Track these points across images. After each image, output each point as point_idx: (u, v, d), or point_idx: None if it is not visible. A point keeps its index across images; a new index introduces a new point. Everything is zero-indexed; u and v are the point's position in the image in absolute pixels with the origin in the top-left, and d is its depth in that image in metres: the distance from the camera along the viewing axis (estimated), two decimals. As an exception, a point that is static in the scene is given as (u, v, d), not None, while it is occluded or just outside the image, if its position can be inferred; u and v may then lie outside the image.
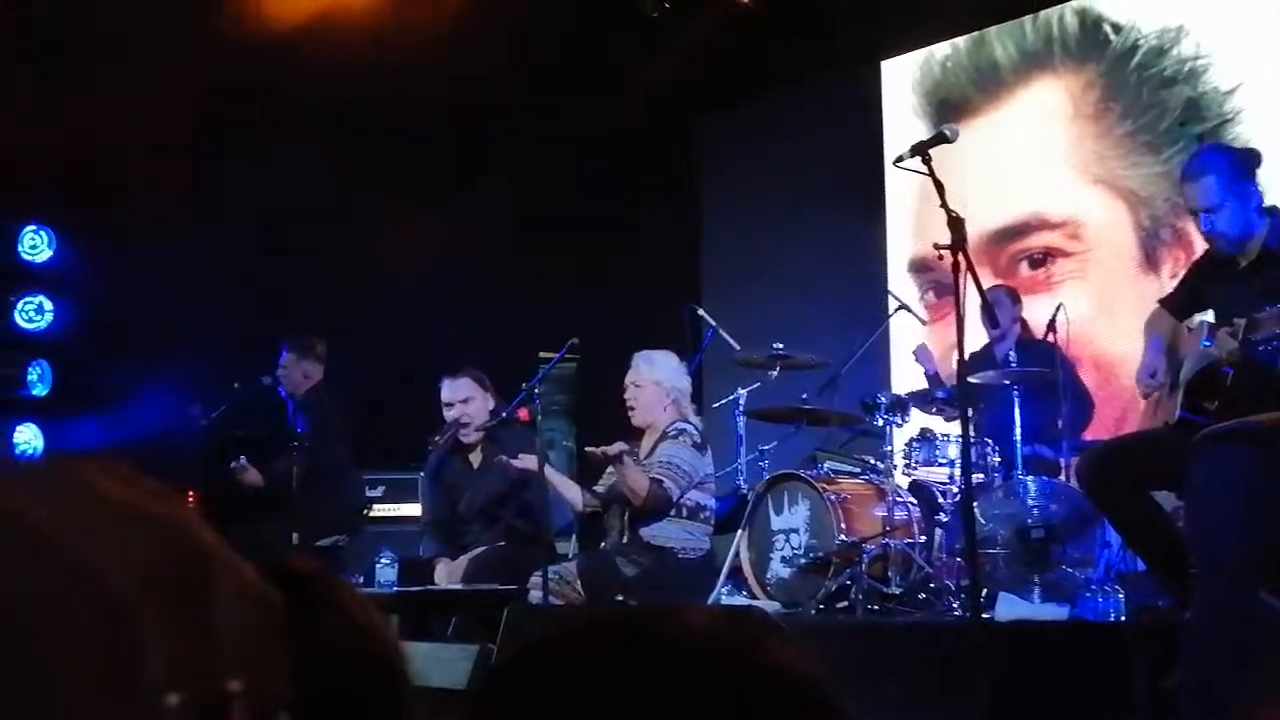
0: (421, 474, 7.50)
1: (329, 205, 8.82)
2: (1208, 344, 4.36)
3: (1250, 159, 4.51)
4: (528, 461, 6.17)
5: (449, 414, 6.74)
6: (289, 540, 6.96)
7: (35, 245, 8.07)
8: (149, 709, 0.52)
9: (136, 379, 8.11)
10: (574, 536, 6.65)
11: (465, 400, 6.69)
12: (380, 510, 8.10)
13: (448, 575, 6.58)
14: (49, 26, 7.83)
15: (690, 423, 6.29)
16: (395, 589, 6.27)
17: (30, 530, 0.51)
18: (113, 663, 0.51)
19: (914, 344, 7.41)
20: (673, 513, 6.16)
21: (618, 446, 6.07)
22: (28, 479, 0.57)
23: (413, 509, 8.17)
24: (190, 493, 7.54)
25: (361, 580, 6.69)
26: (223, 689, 0.58)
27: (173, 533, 0.55)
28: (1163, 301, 4.90)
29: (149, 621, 0.53)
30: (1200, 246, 4.93)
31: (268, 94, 8.40)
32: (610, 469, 6.33)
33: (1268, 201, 4.52)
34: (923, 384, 7.23)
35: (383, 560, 6.43)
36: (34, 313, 7.99)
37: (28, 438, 7.79)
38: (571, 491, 6.42)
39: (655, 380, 6.32)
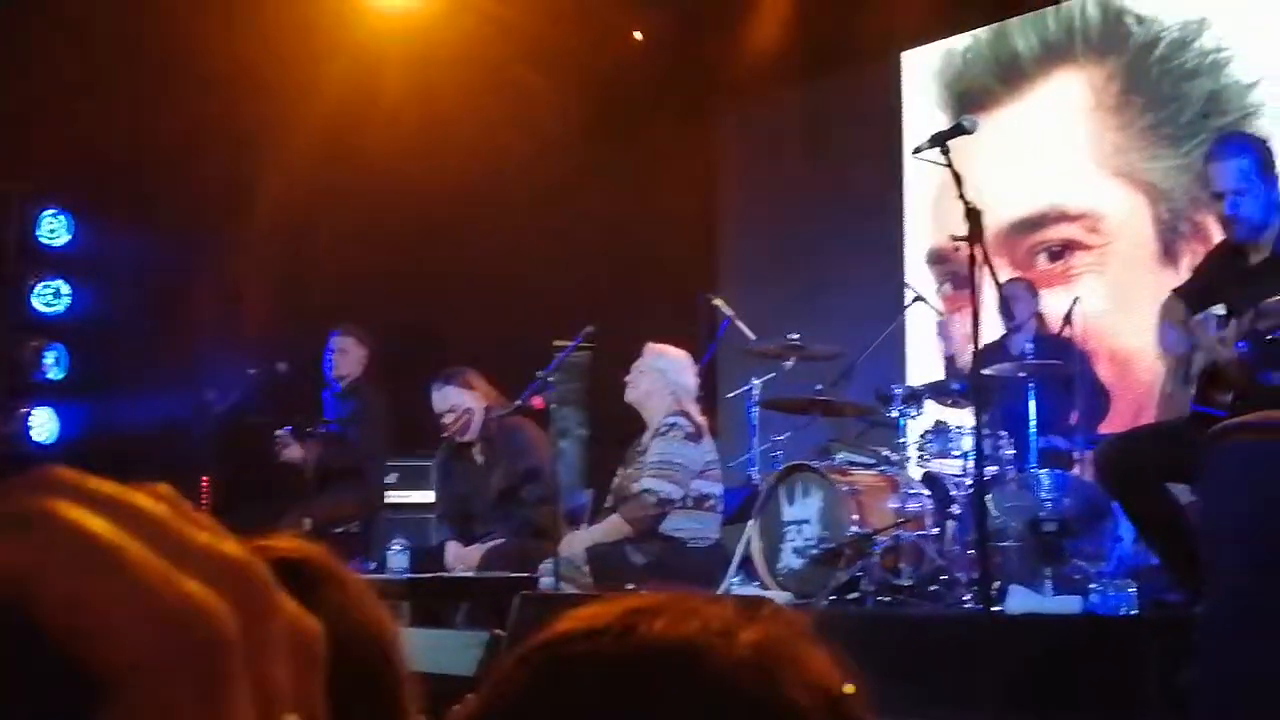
0: (434, 462, 7.50)
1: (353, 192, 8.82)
2: (1218, 331, 4.35)
3: (1271, 151, 4.54)
4: None
5: (443, 420, 6.82)
6: (301, 527, 6.98)
7: (54, 229, 8.08)
8: None
9: (152, 364, 8.13)
10: (584, 523, 6.65)
11: (452, 409, 6.77)
12: (393, 496, 8.10)
13: (460, 559, 6.60)
14: (68, 8, 7.84)
15: (683, 415, 6.29)
16: (407, 575, 6.29)
17: (122, 564, 0.49)
18: (209, 706, 0.50)
19: (930, 335, 7.36)
20: (679, 504, 6.17)
21: None
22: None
23: (426, 495, 8.17)
24: (204, 478, 7.58)
25: (374, 567, 6.71)
26: None
27: (235, 570, 0.54)
28: (1177, 291, 4.87)
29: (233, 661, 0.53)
30: (1219, 239, 4.91)
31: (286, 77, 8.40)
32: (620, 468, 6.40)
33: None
34: (937, 371, 7.18)
35: (395, 546, 6.45)
36: (52, 296, 8.01)
37: (43, 421, 7.81)
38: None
39: (659, 369, 6.37)
